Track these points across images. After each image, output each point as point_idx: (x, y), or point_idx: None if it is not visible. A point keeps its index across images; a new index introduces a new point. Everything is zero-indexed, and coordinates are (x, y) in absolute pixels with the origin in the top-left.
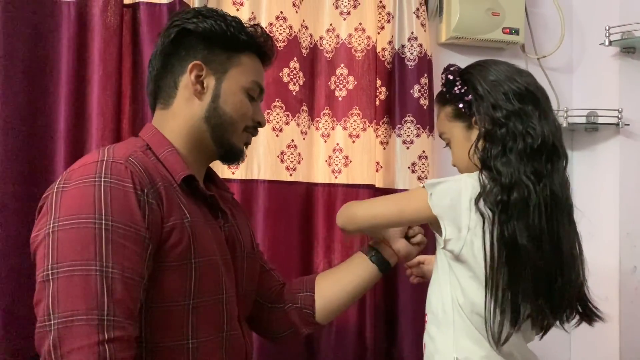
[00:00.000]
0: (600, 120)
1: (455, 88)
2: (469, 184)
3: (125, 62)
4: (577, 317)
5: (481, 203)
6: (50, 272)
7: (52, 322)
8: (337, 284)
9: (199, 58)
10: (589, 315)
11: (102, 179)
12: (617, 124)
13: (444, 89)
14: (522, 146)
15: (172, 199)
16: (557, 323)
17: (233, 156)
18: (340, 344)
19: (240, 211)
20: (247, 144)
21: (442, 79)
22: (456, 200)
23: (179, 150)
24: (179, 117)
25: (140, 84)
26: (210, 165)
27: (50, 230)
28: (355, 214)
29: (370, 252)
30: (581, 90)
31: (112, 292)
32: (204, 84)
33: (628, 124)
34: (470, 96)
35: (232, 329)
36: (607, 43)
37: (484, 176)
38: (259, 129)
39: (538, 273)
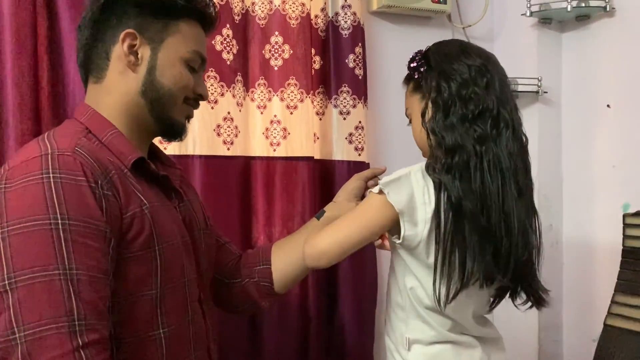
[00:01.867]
0: (520, 88)
1: (413, 63)
2: (419, 177)
3: (40, 27)
4: (526, 298)
5: (430, 170)
6: (7, 282)
7: (17, 335)
8: (293, 253)
9: (132, 26)
10: (537, 297)
11: (51, 175)
12: (537, 92)
13: (408, 68)
14: (464, 111)
15: (127, 187)
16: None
17: (175, 132)
18: (285, 314)
19: (190, 186)
20: (189, 117)
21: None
22: (411, 194)
23: (121, 130)
24: (113, 92)
25: (58, 52)
26: None
27: (1, 237)
28: (323, 249)
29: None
30: (503, 59)
31: (79, 295)
32: (139, 55)
33: (546, 92)
34: (424, 68)
35: (194, 312)
36: (528, 14)
37: (433, 143)
38: (201, 102)
39: (484, 233)
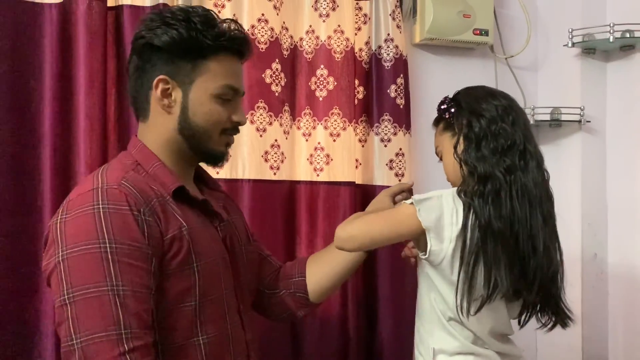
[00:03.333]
0: (564, 117)
1: (443, 106)
2: (449, 199)
3: (109, 64)
4: (552, 318)
5: (462, 194)
6: (66, 296)
7: (75, 341)
8: (326, 266)
9: (164, 72)
10: (561, 315)
11: (100, 206)
12: (579, 121)
13: (438, 112)
14: (495, 144)
15: (167, 212)
16: (533, 317)
17: (215, 159)
18: (325, 333)
19: (234, 206)
20: (229, 144)
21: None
22: (440, 214)
23: (165, 162)
24: (155, 130)
25: (124, 86)
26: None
27: (60, 259)
28: (353, 236)
29: None
30: (546, 89)
31: (126, 307)
32: (172, 97)
33: (589, 121)
34: (454, 109)
35: (233, 322)
36: (570, 45)
37: (466, 173)
38: (242, 127)
39: (511, 252)
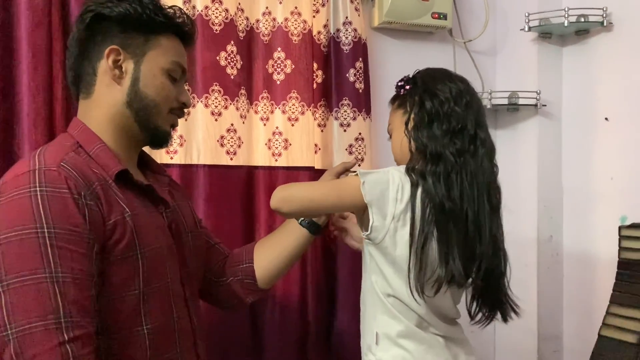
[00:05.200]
0: (521, 101)
1: (400, 82)
2: (396, 176)
3: (55, 44)
4: (493, 310)
5: (411, 172)
6: (0, 284)
7: (9, 331)
8: (273, 251)
9: (116, 42)
10: (505, 308)
11: (38, 188)
12: (536, 105)
13: (396, 87)
14: (447, 126)
15: (110, 197)
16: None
17: (160, 139)
18: (285, 318)
19: (179, 191)
20: (174, 125)
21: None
22: (385, 190)
23: (108, 143)
24: (101, 105)
25: None
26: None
27: None
28: (293, 195)
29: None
30: (504, 73)
31: (65, 295)
32: (123, 68)
33: (545, 105)
34: (409, 86)
35: (179, 310)
36: (526, 29)
37: (415, 150)
38: (196, 111)
39: (461, 234)
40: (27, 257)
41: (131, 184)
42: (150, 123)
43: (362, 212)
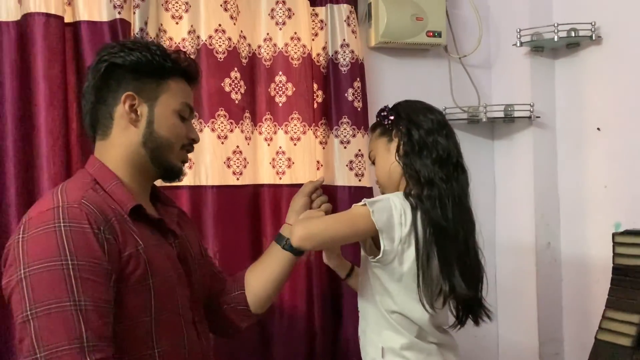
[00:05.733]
0: (516, 114)
1: (383, 113)
2: (397, 202)
3: (69, 79)
4: (469, 315)
5: (410, 197)
6: (29, 312)
7: (38, 355)
8: (261, 277)
9: (130, 89)
10: (480, 313)
11: (62, 224)
12: (530, 117)
13: (377, 119)
14: (435, 155)
15: (125, 231)
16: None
17: (173, 174)
18: (291, 329)
19: (187, 221)
20: (185, 161)
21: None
22: (390, 216)
23: (123, 180)
24: (117, 146)
25: None
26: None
27: (23, 276)
28: (313, 234)
29: (282, 240)
30: (499, 87)
31: (87, 322)
32: (138, 112)
33: (539, 116)
34: (392, 117)
35: (189, 332)
36: (518, 44)
37: (407, 176)
38: (204, 135)
39: (456, 250)
40: (53, 287)
41: (144, 218)
42: (164, 160)
43: (369, 238)
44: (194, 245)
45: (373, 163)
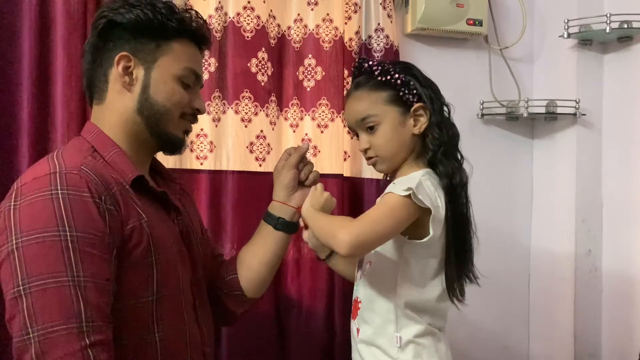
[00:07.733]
0: (559, 110)
1: (395, 74)
2: (429, 185)
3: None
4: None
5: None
6: (21, 287)
7: (31, 335)
8: (254, 260)
9: (126, 49)
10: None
11: (59, 191)
12: (575, 114)
13: (377, 73)
14: (452, 131)
15: (127, 202)
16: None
17: (172, 146)
18: (311, 328)
19: (188, 198)
20: (187, 132)
21: (364, 65)
22: (434, 198)
23: (122, 148)
24: (113, 112)
25: None
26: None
27: (14, 247)
28: (364, 242)
29: (272, 219)
30: (541, 81)
31: (86, 299)
32: (133, 75)
33: (585, 114)
34: (413, 83)
35: (189, 316)
36: (565, 35)
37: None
38: (227, 117)
39: (469, 237)
40: (49, 260)
41: (146, 190)
42: (161, 129)
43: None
44: (195, 223)
45: (371, 129)
